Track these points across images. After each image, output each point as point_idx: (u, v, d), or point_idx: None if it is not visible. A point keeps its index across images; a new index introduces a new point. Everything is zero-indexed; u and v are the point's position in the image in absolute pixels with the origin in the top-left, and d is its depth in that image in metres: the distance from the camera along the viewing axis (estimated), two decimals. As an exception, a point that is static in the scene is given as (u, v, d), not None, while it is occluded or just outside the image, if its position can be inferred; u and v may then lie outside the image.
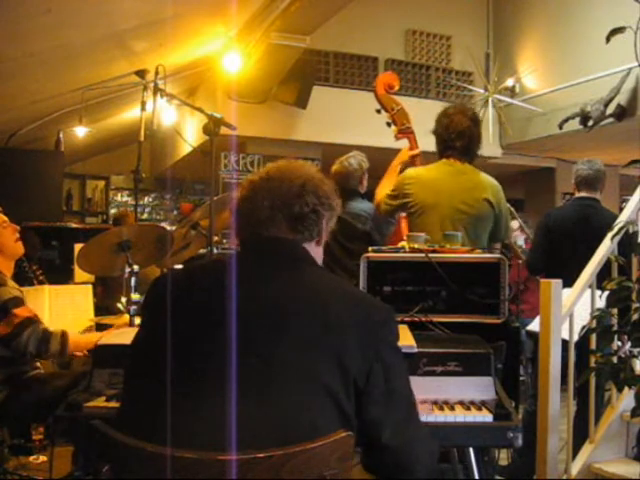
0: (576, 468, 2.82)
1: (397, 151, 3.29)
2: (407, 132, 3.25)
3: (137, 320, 2.75)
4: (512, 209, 4.04)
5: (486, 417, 1.68)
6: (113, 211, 9.23)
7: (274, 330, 1.24)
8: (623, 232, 2.57)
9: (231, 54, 5.28)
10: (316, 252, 1.45)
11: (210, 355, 1.23)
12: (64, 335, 2.65)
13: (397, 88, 3.35)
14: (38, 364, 2.91)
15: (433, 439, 1.40)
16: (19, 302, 2.66)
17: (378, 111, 3.32)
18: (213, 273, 1.39)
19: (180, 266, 3.30)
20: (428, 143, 3.26)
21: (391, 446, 1.27)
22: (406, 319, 2.15)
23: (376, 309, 1.33)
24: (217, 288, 1.31)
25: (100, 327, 3.01)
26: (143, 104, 3.71)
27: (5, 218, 2.87)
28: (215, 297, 1.30)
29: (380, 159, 3.96)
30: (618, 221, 2.72)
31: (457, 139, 2.84)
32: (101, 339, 2.22)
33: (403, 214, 3.05)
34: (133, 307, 2.76)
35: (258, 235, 1.39)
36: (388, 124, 3.32)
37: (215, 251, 3.09)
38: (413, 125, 3.32)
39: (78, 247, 2.92)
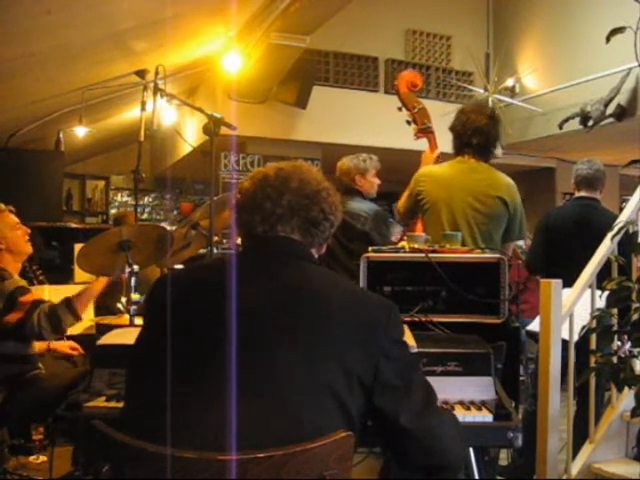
0: (576, 468, 2.82)
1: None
2: (427, 132, 3.25)
3: (137, 320, 2.75)
4: None
5: (486, 417, 1.69)
6: (113, 211, 9.22)
7: (275, 330, 1.25)
8: (623, 232, 2.57)
9: (231, 54, 5.28)
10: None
11: (211, 355, 1.23)
12: (68, 301, 2.71)
13: (420, 87, 3.35)
14: (39, 364, 2.91)
15: (457, 424, 1.40)
16: (24, 290, 2.73)
17: (400, 109, 3.32)
18: (215, 273, 1.39)
19: (180, 266, 3.30)
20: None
21: (412, 429, 1.27)
22: (406, 319, 2.15)
23: (377, 306, 1.34)
24: (218, 288, 1.31)
25: (100, 327, 3.01)
26: (143, 104, 3.72)
27: (17, 220, 2.91)
28: (217, 297, 1.30)
29: (381, 159, 3.97)
30: (618, 221, 2.71)
31: (473, 136, 2.84)
32: (102, 340, 2.21)
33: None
34: (133, 307, 2.76)
35: (270, 233, 1.39)
36: (408, 122, 3.32)
37: (215, 251, 3.09)
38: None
39: (78, 247, 2.93)
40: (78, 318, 2.75)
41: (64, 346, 3.18)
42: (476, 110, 2.91)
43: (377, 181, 3.90)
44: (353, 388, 1.23)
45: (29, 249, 2.95)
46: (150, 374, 1.27)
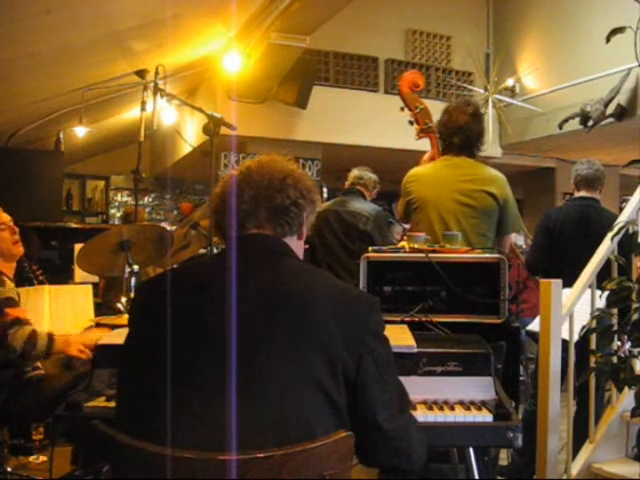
0: (576, 468, 2.82)
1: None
2: (429, 132, 3.25)
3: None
4: None
5: (486, 417, 1.68)
6: (113, 211, 9.25)
7: (262, 328, 1.24)
8: (623, 232, 2.58)
9: (231, 54, 5.28)
10: (297, 246, 1.46)
11: (200, 357, 1.23)
12: (50, 336, 2.63)
13: (422, 87, 3.36)
14: (39, 364, 2.91)
15: (420, 427, 1.40)
16: (13, 303, 2.66)
17: (402, 109, 3.34)
18: (200, 274, 1.39)
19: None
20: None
21: (387, 429, 1.28)
22: (406, 319, 2.16)
23: (360, 300, 1.34)
24: (204, 289, 1.31)
25: (99, 327, 3.01)
26: (143, 104, 3.71)
27: (6, 219, 2.86)
28: (202, 298, 1.30)
29: (380, 159, 3.99)
30: (618, 221, 2.72)
31: (455, 135, 2.84)
32: (101, 339, 2.21)
33: None
34: (133, 307, 2.75)
35: (242, 231, 1.39)
36: (410, 122, 3.32)
37: (215, 251, 3.10)
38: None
39: (78, 247, 2.92)
40: (49, 355, 2.65)
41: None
42: (458, 108, 2.89)
43: None
44: (339, 383, 1.23)
45: (18, 250, 2.86)
46: (141, 377, 1.27)
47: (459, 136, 2.83)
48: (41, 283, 3.96)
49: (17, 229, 2.87)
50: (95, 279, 4.36)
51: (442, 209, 2.77)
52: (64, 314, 3.44)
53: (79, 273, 4.15)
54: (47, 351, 2.62)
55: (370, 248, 2.34)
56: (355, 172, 4.15)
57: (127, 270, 2.81)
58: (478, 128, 2.88)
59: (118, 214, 9.10)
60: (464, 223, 2.73)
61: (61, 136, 6.88)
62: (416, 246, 2.30)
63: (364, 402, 1.26)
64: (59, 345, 2.65)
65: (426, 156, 3.24)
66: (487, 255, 2.29)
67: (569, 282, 2.83)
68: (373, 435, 1.28)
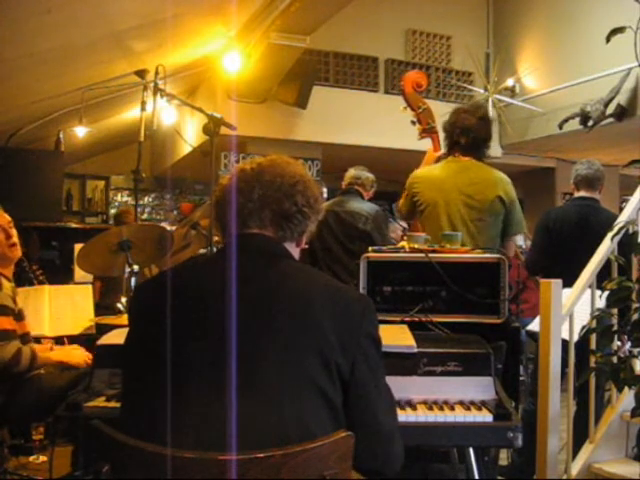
0: (576, 468, 2.82)
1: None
2: (431, 132, 3.26)
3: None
4: None
5: (486, 417, 1.69)
6: (113, 211, 9.23)
7: (260, 328, 1.24)
8: (623, 232, 2.58)
9: (231, 54, 5.28)
10: (294, 252, 1.45)
11: (199, 357, 1.23)
12: (34, 355, 2.63)
13: (425, 87, 3.37)
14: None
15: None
16: (6, 311, 2.64)
17: (405, 109, 3.34)
18: (199, 274, 1.38)
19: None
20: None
21: (383, 430, 1.28)
22: (406, 319, 2.16)
23: (356, 301, 1.33)
24: (203, 289, 1.31)
25: (100, 327, 3.00)
26: (143, 104, 3.71)
27: (3, 221, 2.80)
28: (201, 298, 1.30)
29: (380, 159, 3.99)
30: (618, 221, 2.72)
31: (461, 135, 2.85)
32: (102, 340, 2.21)
33: None
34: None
35: (243, 229, 1.38)
36: (413, 122, 3.33)
37: (215, 251, 3.10)
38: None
39: (78, 247, 2.92)
40: (31, 370, 2.66)
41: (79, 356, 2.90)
42: (469, 110, 2.93)
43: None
44: (335, 383, 1.23)
45: (14, 254, 2.80)
46: (140, 378, 1.27)
47: (465, 137, 2.85)
48: (41, 283, 3.96)
49: (14, 232, 2.80)
50: (95, 279, 4.36)
51: (451, 211, 2.78)
52: (64, 314, 3.45)
53: (79, 273, 4.15)
54: (29, 367, 2.62)
55: (370, 248, 2.34)
56: (352, 172, 4.14)
57: (127, 270, 2.80)
58: (485, 131, 2.90)
59: (118, 214, 9.09)
60: (471, 226, 2.75)
61: (61, 136, 6.88)
62: (416, 246, 2.30)
63: (354, 404, 1.26)
64: (41, 361, 2.67)
65: (433, 152, 3.25)
66: (487, 255, 2.29)
67: (569, 282, 2.83)
68: (370, 436, 1.28)
